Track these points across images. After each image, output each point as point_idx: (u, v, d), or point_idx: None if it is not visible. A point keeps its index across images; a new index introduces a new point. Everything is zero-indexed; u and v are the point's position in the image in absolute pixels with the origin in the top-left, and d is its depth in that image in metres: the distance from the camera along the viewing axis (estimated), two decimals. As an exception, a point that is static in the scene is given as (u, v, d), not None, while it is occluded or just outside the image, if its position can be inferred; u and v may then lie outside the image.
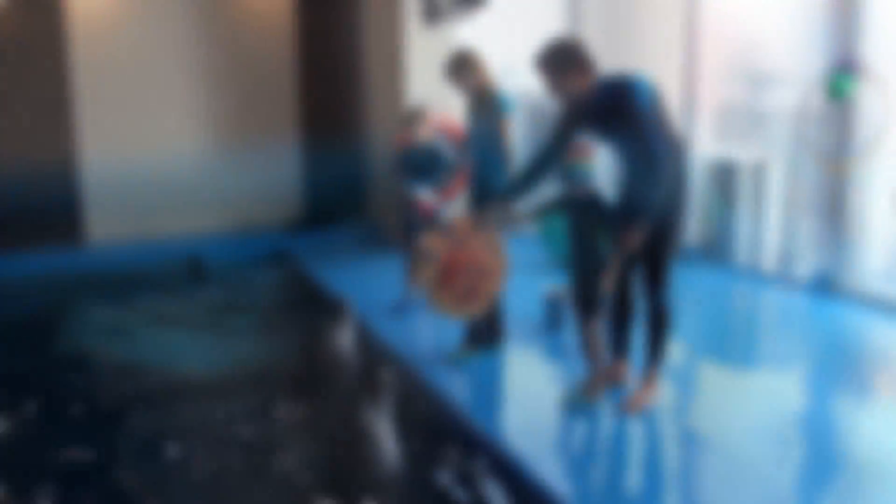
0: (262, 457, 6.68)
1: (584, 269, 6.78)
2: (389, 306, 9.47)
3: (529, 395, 7.46)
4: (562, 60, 6.44)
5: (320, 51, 13.13)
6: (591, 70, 6.48)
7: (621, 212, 6.59)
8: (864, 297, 9.14)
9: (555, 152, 6.84)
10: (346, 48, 13.20)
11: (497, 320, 8.04)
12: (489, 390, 7.60)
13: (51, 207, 12.40)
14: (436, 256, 7.15)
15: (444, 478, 6.35)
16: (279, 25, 12.92)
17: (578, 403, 6.85)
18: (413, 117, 9.13)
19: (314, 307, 10.48)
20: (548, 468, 6.04)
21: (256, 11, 12.82)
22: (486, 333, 8.03)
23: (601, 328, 6.98)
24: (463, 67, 7.85)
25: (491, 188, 7.84)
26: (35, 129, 12.22)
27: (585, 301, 6.83)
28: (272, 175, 13.21)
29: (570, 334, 8.48)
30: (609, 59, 6.64)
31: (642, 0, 11.84)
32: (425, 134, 9.14)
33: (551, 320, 8.62)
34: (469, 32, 11.61)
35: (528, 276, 9.18)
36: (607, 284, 6.56)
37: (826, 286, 9.35)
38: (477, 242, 7.14)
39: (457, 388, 7.54)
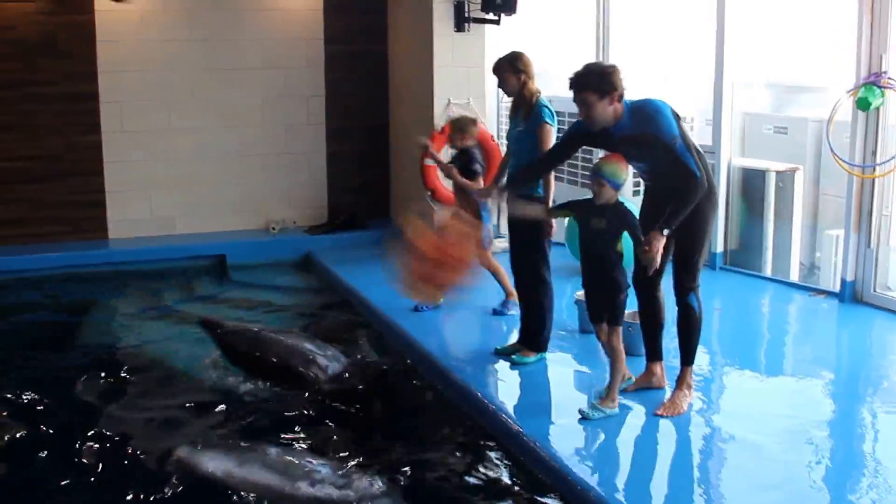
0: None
1: (603, 277, 6.84)
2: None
3: (564, 398, 7.53)
4: (603, 84, 6.51)
5: (349, 53, 13.17)
6: (622, 96, 6.58)
7: (646, 220, 6.70)
8: (890, 306, 9.18)
9: (557, 159, 7.20)
10: (376, 51, 13.26)
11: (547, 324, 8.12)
12: (524, 391, 7.66)
13: (79, 202, 12.50)
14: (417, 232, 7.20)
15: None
16: (309, 27, 12.95)
17: (595, 413, 6.88)
18: (466, 125, 9.16)
19: (338, 308, 10.55)
20: (583, 470, 6.11)
21: (287, 12, 12.85)
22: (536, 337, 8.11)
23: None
24: (513, 68, 7.88)
25: (525, 193, 7.94)
26: (66, 124, 12.32)
27: (609, 308, 6.90)
28: (298, 175, 13.23)
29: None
30: (637, 69, 6.69)
31: (671, 10, 11.93)
32: (471, 142, 9.18)
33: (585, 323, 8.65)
34: (498, 39, 11.67)
35: (560, 279, 9.24)
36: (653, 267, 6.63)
37: (853, 295, 9.38)
38: (455, 234, 7.22)
39: (492, 388, 7.62)
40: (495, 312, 9.30)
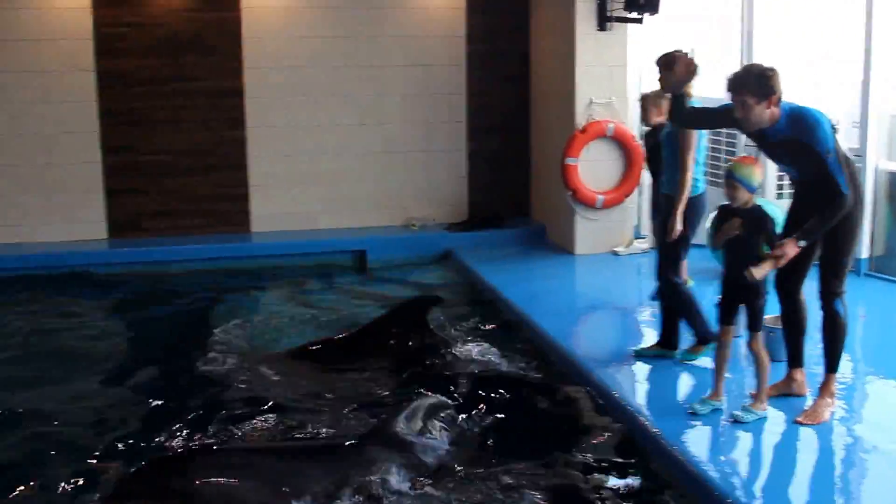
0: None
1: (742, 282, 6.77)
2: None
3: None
4: (761, 87, 6.43)
5: (491, 52, 13.20)
6: (780, 99, 6.50)
7: (792, 223, 6.68)
8: None
9: (698, 119, 7.19)
10: (517, 50, 13.27)
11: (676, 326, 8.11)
12: (663, 393, 7.62)
13: (223, 196, 12.77)
14: None
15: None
16: (451, 25, 13.01)
17: (748, 415, 6.81)
18: (662, 99, 8.70)
19: (479, 306, 10.57)
20: (721, 476, 6.07)
21: (429, 10, 12.94)
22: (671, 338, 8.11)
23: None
24: (668, 68, 7.62)
25: (663, 193, 7.91)
26: (212, 119, 12.63)
27: (748, 313, 6.85)
28: (438, 173, 13.30)
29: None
30: (782, 69, 6.57)
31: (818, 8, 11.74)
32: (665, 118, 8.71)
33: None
34: (640, 37, 11.61)
35: (702, 282, 9.20)
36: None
37: None
38: None
39: (631, 389, 7.61)
40: (653, 298, 9.19)
